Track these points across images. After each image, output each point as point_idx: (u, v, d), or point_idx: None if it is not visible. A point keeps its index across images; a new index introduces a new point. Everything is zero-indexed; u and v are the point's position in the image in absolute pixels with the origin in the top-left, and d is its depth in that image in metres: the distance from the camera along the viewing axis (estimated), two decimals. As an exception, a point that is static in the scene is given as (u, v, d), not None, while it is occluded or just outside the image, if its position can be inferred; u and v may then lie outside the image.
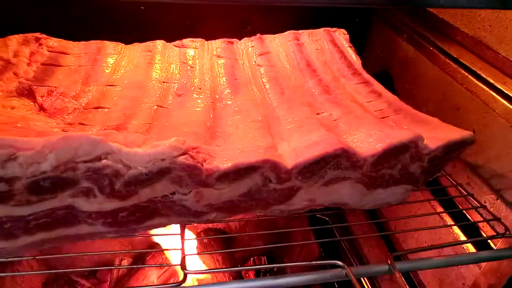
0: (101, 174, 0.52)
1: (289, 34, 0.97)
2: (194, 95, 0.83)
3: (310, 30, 0.97)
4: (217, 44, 0.95)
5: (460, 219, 0.76)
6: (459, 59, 0.79)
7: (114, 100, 0.79)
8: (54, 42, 0.89)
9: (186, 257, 0.55)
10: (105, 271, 1.47)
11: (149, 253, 1.38)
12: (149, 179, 0.54)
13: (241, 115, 0.76)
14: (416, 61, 0.91)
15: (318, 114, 0.75)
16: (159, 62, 0.90)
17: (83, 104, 0.78)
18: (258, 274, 1.40)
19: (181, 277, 0.51)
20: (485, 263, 0.69)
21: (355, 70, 0.87)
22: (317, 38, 0.95)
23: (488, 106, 0.72)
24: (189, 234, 1.29)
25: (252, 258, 1.54)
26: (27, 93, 0.78)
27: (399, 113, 0.73)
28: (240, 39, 0.99)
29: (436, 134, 0.62)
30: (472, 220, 0.74)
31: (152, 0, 0.95)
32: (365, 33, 1.12)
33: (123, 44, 0.93)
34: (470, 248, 0.73)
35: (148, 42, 0.94)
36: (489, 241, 0.70)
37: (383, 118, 0.73)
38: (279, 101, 0.80)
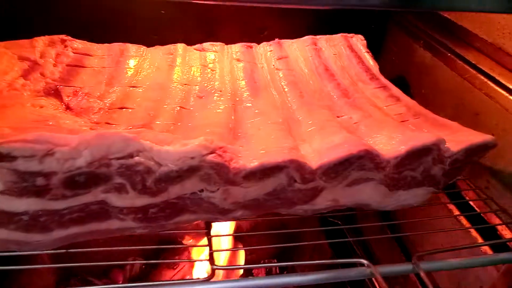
0: (134, 170, 0.53)
1: (307, 39, 0.98)
2: (215, 97, 0.84)
3: (327, 36, 0.98)
4: (237, 48, 0.97)
5: (478, 223, 0.77)
6: (478, 65, 0.80)
7: (137, 101, 0.81)
8: (78, 44, 0.91)
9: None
10: (118, 272, 1.48)
11: (163, 253, 1.39)
12: (179, 177, 0.55)
13: (261, 117, 0.78)
14: (433, 67, 0.92)
15: (338, 117, 0.77)
16: (180, 64, 0.92)
17: (107, 104, 0.79)
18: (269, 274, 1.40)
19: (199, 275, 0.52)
20: (503, 265, 0.69)
21: (373, 75, 0.88)
22: (335, 44, 0.97)
23: (508, 111, 0.73)
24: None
25: (262, 261, 1.55)
26: (54, 93, 0.80)
27: (419, 117, 0.74)
28: (257, 43, 1.01)
29: (458, 137, 0.63)
30: (490, 223, 0.74)
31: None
32: (380, 39, 1.14)
33: (144, 47, 0.95)
34: (489, 251, 0.73)
35: (169, 45, 0.96)
36: (508, 244, 0.71)
37: (402, 122, 0.74)
38: (299, 104, 0.81)
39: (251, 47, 0.98)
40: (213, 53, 0.96)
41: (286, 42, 0.98)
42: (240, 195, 0.58)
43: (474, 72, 0.80)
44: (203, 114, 0.79)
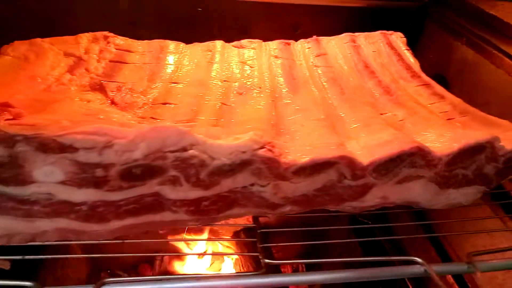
0: (188, 163, 0.54)
1: (345, 36, 0.98)
2: (254, 93, 0.85)
3: (366, 33, 0.98)
4: (274, 45, 0.97)
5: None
6: (526, 63, 0.78)
7: (179, 97, 0.82)
8: (120, 40, 0.93)
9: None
10: (146, 266, 1.51)
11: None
12: (232, 170, 0.56)
13: (302, 113, 0.78)
14: (477, 65, 0.90)
15: (381, 114, 0.76)
16: (219, 61, 0.93)
17: (150, 100, 0.80)
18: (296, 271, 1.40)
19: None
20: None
21: (414, 73, 0.87)
22: (374, 41, 0.96)
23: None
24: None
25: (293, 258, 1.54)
26: (99, 88, 0.81)
27: (466, 115, 0.72)
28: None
29: (511, 136, 0.62)
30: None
31: None
32: (416, 37, 1.12)
33: (183, 43, 0.96)
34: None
35: (208, 42, 0.97)
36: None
37: (448, 120, 0.73)
38: (340, 101, 0.81)
39: (289, 44, 0.98)
40: (251, 50, 0.97)
41: (324, 39, 0.98)
42: (290, 190, 0.58)
43: (523, 69, 0.79)
44: (244, 110, 0.80)
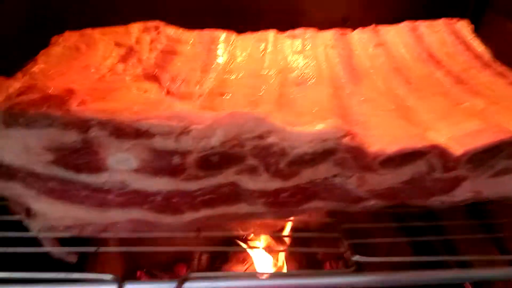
0: (268, 152, 0.50)
1: (405, 25, 0.93)
2: (312, 84, 0.80)
3: (428, 22, 0.92)
4: (329, 35, 0.93)
5: None
6: None
7: (235, 88, 0.78)
8: (171, 30, 0.90)
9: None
10: (182, 266, 1.48)
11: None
12: (313, 160, 0.51)
13: (369, 103, 0.73)
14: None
15: (457, 104, 0.71)
16: (273, 52, 0.89)
17: (206, 91, 0.77)
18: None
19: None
20: None
21: (485, 62, 0.81)
22: (437, 30, 0.90)
23: None
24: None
25: (328, 262, 1.48)
26: (153, 78, 0.79)
27: (552, 105, 0.66)
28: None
29: None
30: None
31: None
32: (475, 28, 1.06)
33: (235, 34, 0.93)
34: None
35: (260, 32, 0.93)
36: None
37: (535, 109, 0.67)
38: (406, 91, 0.76)
39: (345, 33, 0.93)
40: (305, 39, 0.92)
41: (383, 29, 0.93)
42: (376, 183, 0.53)
43: None
44: (305, 101, 0.75)
